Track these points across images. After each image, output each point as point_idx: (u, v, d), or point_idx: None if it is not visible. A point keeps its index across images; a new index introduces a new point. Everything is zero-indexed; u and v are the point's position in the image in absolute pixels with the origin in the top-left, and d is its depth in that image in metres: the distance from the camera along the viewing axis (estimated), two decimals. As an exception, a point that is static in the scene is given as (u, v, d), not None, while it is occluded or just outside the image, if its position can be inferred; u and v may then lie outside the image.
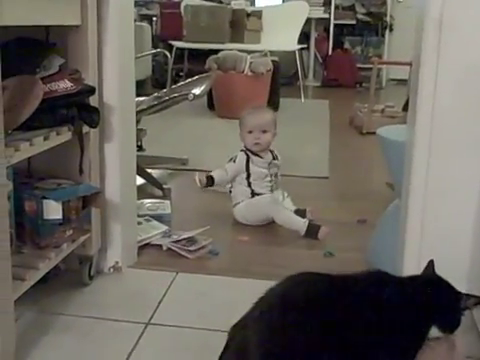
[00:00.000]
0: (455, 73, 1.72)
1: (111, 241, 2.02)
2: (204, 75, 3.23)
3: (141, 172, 2.89)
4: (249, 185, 2.60)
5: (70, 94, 1.71)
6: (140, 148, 3.14)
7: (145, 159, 3.15)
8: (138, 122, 3.00)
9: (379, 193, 2.86)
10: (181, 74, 6.37)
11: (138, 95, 3.67)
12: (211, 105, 5.05)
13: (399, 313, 1.21)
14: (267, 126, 2.62)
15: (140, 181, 3.01)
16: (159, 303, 1.84)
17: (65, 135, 1.70)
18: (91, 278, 1.95)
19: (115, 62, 1.93)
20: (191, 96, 2.71)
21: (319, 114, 5.09)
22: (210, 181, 2.58)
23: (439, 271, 1.37)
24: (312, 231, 2.41)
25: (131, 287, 1.95)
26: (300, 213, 2.57)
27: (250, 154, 2.62)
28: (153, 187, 2.97)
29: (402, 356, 1.23)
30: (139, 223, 2.37)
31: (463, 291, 1.83)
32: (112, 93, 1.93)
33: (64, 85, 1.71)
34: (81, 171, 1.78)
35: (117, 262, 2.04)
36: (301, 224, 2.43)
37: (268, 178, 2.63)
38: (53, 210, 1.66)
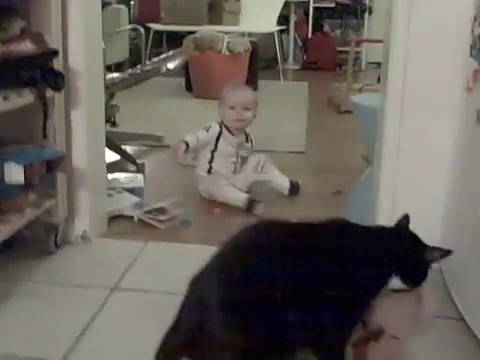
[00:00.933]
0: (425, 39, 1.74)
1: (79, 210, 1.99)
2: (178, 50, 3.19)
3: (113, 147, 2.86)
4: (210, 161, 2.55)
5: (31, 56, 1.67)
6: (114, 124, 3.11)
7: (119, 135, 3.11)
8: (111, 97, 2.96)
9: (355, 167, 2.82)
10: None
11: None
12: (189, 87, 5.01)
13: (359, 261, 1.20)
14: (249, 104, 2.57)
15: (114, 157, 2.99)
16: (126, 270, 1.82)
17: (27, 97, 1.66)
18: (57, 246, 1.91)
19: (80, 27, 1.88)
20: (164, 69, 2.67)
21: (298, 95, 5.06)
22: (186, 146, 2.49)
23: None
24: (250, 206, 2.39)
25: (99, 255, 1.92)
26: (294, 186, 2.59)
27: (224, 129, 2.57)
28: (128, 163, 2.94)
29: (356, 305, 1.21)
30: (110, 195, 2.34)
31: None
32: (78, 58, 1.89)
33: (25, 47, 1.67)
34: (45, 136, 1.74)
35: (85, 231, 2.01)
36: (243, 199, 2.41)
37: (233, 158, 2.58)
38: (15, 173, 1.62)
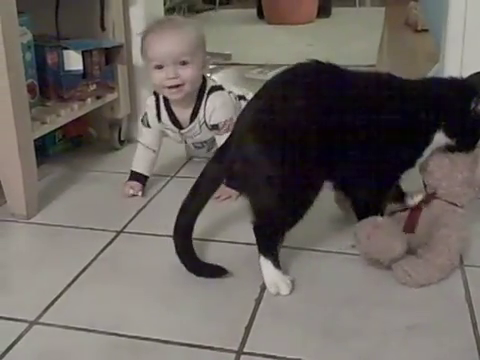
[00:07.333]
0: None
1: (141, 108, 2.01)
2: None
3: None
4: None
5: None
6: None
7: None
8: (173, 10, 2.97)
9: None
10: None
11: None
12: (261, 14, 4.93)
13: (403, 107, 1.16)
14: (187, 54, 1.47)
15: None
16: (186, 162, 1.85)
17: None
18: (121, 143, 1.97)
19: None
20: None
21: (373, 18, 4.86)
22: (138, 177, 1.66)
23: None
24: None
25: (162, 151, 1.95)
26: None
27: (161, 106, 1.61)
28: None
29: (400, 157, 1.18)
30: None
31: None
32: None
33: None
34: (103, 28, 1.77)
35: (149, 129, 2.05)
36: None
37: (185, 143, 1.74)
38: (74, 60, 1.66)
